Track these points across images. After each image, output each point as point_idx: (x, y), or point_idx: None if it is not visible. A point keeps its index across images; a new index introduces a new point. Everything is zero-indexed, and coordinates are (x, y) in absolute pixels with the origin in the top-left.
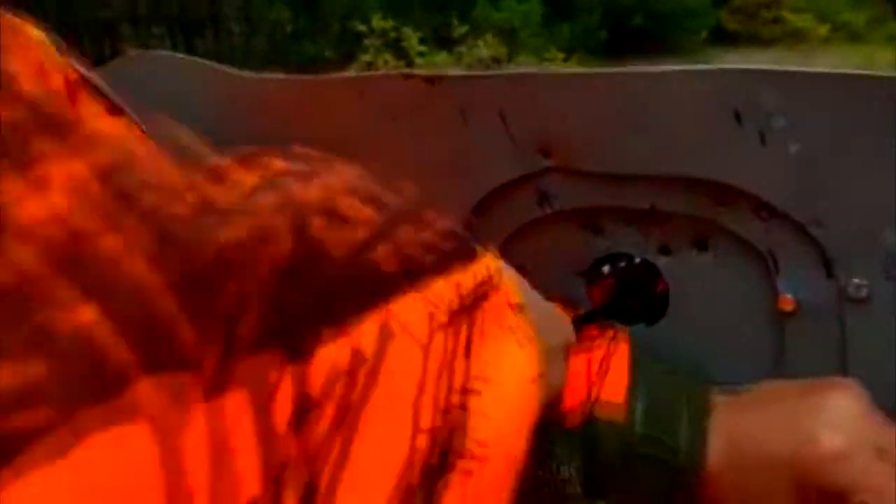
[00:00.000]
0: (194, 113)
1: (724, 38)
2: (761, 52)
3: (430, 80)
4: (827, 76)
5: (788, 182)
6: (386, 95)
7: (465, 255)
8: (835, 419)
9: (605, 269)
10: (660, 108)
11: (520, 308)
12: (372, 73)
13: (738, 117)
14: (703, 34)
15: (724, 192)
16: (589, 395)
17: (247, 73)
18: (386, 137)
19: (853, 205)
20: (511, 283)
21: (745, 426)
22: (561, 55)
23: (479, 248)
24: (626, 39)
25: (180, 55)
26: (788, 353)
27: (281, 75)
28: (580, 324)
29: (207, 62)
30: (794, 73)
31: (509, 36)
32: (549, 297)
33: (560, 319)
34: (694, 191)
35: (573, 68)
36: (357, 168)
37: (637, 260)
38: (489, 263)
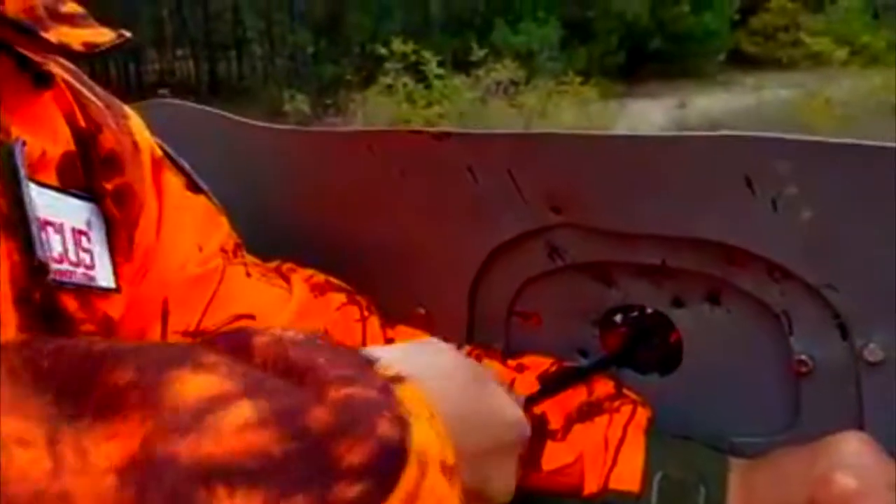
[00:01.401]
0: (206, 161)
1: (742, 61)
2: (780, 75)
3: (438, 137)
4: (837, 145)
5: (801, 246)
6: (394, 150)
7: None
8: (847, 462)
9: (618, 318)
10: (671, 171)
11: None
12: (380, 128)
13: (749, 183)
14: (721, 57)
15: (736, 253)
16: (607, 476)
17: (260, 123)
18: (396, 191)
19: (866, 269)
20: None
21: (762, 484)
22: (579, 78)
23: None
24: (643, 62)
25: (192, 105)
26: (804, 412)
27: (292, 126)
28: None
29: (220, 112)
30: (805, 142)
31: (527, 59)
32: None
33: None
34: (705, 251)
35: (581, 131)
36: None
37: (649, 310)
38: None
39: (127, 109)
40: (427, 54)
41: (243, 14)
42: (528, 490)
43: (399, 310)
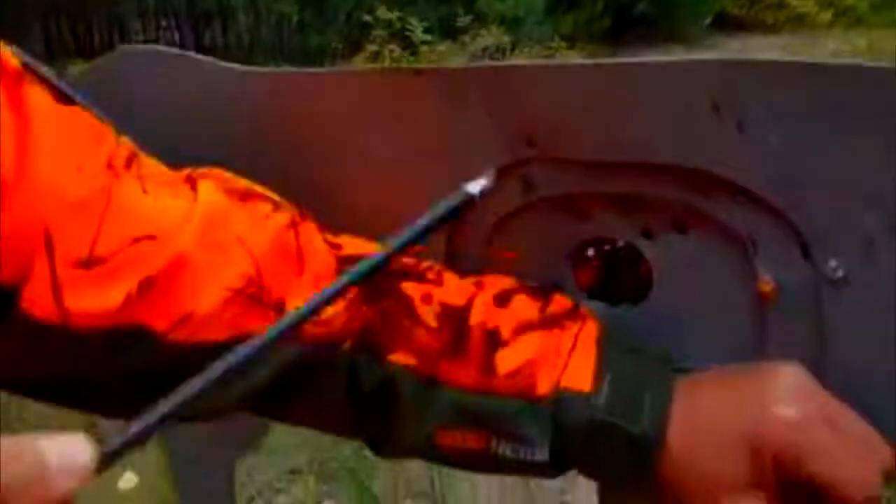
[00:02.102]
0: (181, 105)
1: (727, 25)
2: (765, 38)
3: (417, 72)
4: (804, 65)
5: (766, 169)
6: (373, 88)
7: None
8: (787, 393)
9: (590, 252)
10: (640, 98)
11: None
12: (355, 68)
13: (716, 107)
14: (707, 20)
15: (704, 179)
16: (559, 377)
17: (235, 66)
18: (373, 128)
19: (831, 190)
20: None
21: (703, 405)
22: (564, 44)
23: None
24: (629, 28)
25: (165, 48)
26: (769, 334)
27: (267, 69)
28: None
29: (194, 55)
30: (770, 63)
31: (513, 25)
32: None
33: None
34: (674, 178)
35: (552, 60)
36: None
37: (621, 243)
38: None
39: None
40: (413, 21)
41: None
42: (488, 394)
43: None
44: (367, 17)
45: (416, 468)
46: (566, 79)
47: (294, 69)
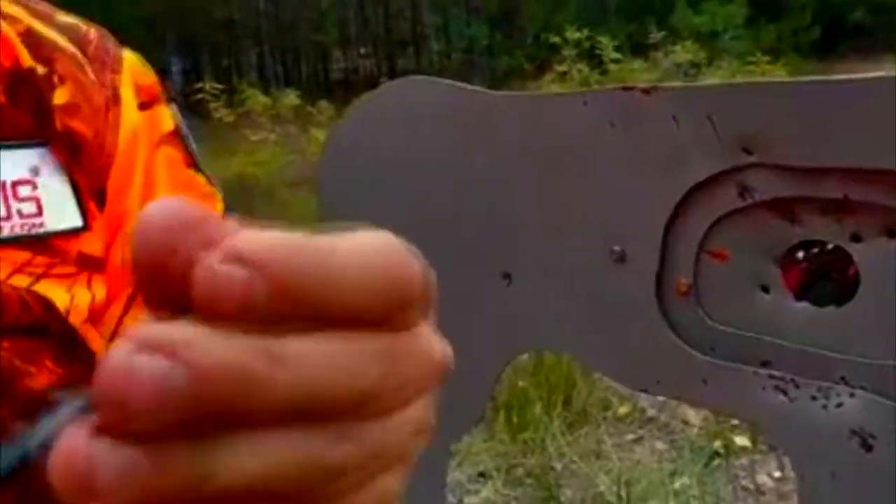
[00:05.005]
0: (450, 126)
1: None
2: None
3: (647, 91)
4: None
5: None
6: (606, 106)
7: None
8: None
9: (800, 254)
10: (853, 110)
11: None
12: (595, 88)
13: None
14: None
15: None
16: None
17: (491, 92)
18: (606, 142)
19: None
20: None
21: None
22: (766, 58)
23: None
24: (842, 38)
25: (436, 79)
26: None
27: (521, 93)
28: None
29: (457, 83)
30: None
31: (709, 39)
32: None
33: None
34: (885, 182)
35: (773, 79)
36: None
37: (829, 246)
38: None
39: (125, 65)
40: (603, 39)
41: (421, 11)
42: None
43: (592, 246)
44: (556, 38)
45: (605, 481)
46: (786, 93)
47: (539, 93)
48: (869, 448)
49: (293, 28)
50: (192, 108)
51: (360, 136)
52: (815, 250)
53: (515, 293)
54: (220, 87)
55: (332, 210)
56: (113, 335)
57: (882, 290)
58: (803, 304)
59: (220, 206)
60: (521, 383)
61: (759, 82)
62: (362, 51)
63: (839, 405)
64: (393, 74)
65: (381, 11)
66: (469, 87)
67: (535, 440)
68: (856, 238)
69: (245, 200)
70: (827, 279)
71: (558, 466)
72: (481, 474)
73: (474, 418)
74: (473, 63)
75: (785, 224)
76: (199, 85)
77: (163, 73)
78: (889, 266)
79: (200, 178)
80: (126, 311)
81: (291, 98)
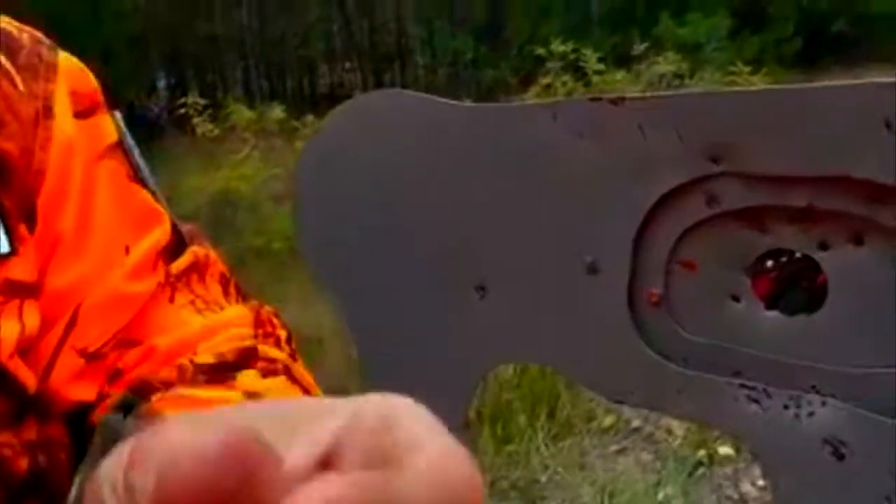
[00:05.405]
0: (421, 138)
1: None
2: None
3: (615, 102)
4: None
5: None
6: (575, 116)
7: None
8: None
9: (769, 263)
10: (818, 118)
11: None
12: (563, 98)
13: (888, 125)
14: None
15: (879, 191)
16: None
17: (460, 104)
18: (576, 153)
19: None
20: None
21: None
22: (748, 69)
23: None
24: (824, 48)
25: (407, 92)
26: None
27: (487, 105)
28: None
29: (427, 96)
30: None
31: (692, 51)
32: None
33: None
34: (850, 190)
35: (739, 88)
36: None
37: (798, 255)
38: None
39: (60, 71)
40: (587, 51)
41: (406, 23)
42: None
43: (564, 258)
44: (540, 50)
45: (590, 492)
46: (749, 102)
47: (509, 104)
48: (841, 456)
49: (278, 43)
50: (177, 123)
51: (335, 148)
52: (784, 259)
53: (489, 305)
54: (204, 101)
55: (307, 219)
56: (49, 365)
57: (850, 298)
58: (774, 314)
59: (166, 225)
60: (505, 395)
61: (726, 92)
62: (347, 65)
63: (811, 414)
64: (378, 87)
65: (366, 24)
66: (440, 99)
67: (519, 452)
68: (823, 246)
69: (229, 214)
70: (797, 288)
71: (543, 478)
72: None
73: (451, 431)
74: (459, 76)
75: (753, 233)
76: (184, 100)
77: (149, 88)
78: (856, 273)
79: (145, 194)
80: (65, 338)
81: (277, 112)
